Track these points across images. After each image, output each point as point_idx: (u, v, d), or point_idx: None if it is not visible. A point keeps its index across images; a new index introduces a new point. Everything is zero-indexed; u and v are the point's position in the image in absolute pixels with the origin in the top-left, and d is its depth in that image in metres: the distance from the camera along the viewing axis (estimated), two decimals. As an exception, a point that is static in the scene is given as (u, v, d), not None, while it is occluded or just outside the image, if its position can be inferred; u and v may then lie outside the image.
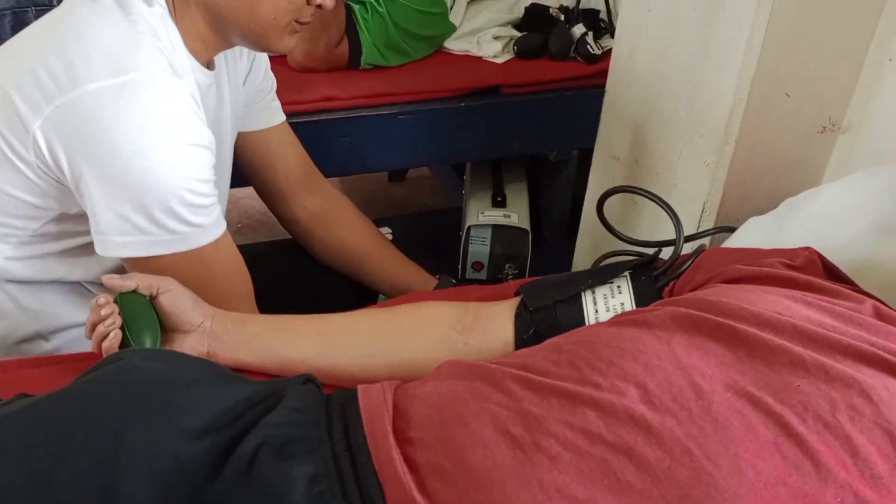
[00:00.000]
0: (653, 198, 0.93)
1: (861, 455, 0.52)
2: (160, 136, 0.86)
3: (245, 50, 1.12)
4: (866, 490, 0.51)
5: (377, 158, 1.68)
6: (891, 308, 0.69)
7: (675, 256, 0.85)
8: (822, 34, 1.13)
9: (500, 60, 1.78)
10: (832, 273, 0.77)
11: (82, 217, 0.93)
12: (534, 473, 0.52)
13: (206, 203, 0.91)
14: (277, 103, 1.23)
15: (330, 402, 0.62)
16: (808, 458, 0.52)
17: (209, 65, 1.02)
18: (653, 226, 1.36)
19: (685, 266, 0.83)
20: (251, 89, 1.15)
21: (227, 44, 1.02)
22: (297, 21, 0.99)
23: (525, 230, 1.73)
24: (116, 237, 0.89)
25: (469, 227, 1.74)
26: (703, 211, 1.25)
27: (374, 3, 1.67)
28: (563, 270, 1.08)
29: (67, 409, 0.57)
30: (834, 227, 0.90)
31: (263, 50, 1.08)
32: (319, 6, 0.99)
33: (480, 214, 1.77)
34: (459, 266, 1.76)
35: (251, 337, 0.83)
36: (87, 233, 0.93)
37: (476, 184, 1.90)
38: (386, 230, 2.00)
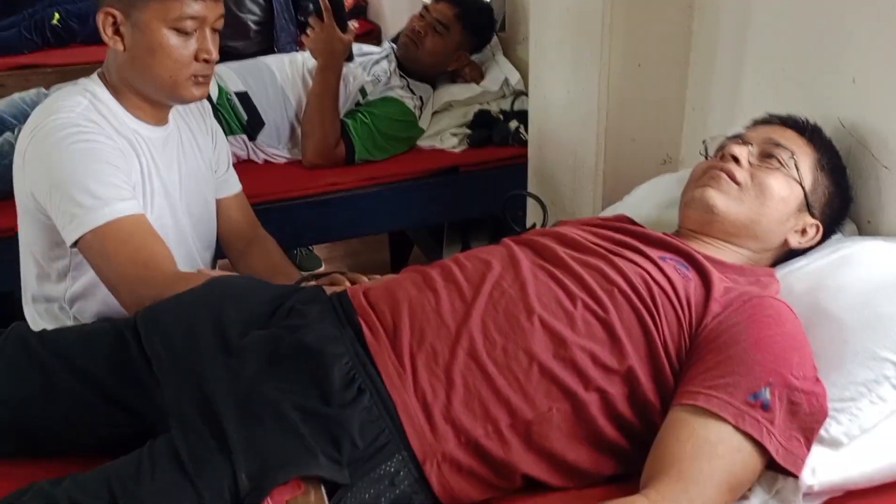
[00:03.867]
0: (534, 197, 1.51)
1: (586, 285, 1.06)
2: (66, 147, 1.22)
3: (210, 133, 1.49)
4: (594, 304, 1.04)
5: (369, 225, 2.30)
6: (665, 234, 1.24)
7: (544, 225, 1.42)
8: (647, 97, 1.73)
9: (458, 150, 2.39)
10: (636, 225, 1.32)
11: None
12: (421, 298, 1.06)
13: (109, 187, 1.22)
14: (231, 177, 1.58)
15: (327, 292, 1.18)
16: (559, 286, 1.06)
17: (160, 123, 1.36)
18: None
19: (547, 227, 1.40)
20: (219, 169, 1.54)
21: (161, 105, 1.35)
22: (195, 75, 1.29)
23: (486, 271, 2.29)
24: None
25: (444, 273, 2.31)
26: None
27: (362, 116, 2.31)
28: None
29: (201, 292, 1.13)
30: (643, 203, 1.47)
31: (180, 101, 1.36)
32: (206, 60, 1.28)
33: (452, 263, 2.34)
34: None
35: None
36: None
37: (450, 243, 2.48)
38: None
